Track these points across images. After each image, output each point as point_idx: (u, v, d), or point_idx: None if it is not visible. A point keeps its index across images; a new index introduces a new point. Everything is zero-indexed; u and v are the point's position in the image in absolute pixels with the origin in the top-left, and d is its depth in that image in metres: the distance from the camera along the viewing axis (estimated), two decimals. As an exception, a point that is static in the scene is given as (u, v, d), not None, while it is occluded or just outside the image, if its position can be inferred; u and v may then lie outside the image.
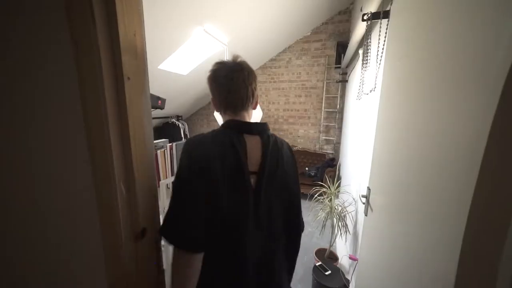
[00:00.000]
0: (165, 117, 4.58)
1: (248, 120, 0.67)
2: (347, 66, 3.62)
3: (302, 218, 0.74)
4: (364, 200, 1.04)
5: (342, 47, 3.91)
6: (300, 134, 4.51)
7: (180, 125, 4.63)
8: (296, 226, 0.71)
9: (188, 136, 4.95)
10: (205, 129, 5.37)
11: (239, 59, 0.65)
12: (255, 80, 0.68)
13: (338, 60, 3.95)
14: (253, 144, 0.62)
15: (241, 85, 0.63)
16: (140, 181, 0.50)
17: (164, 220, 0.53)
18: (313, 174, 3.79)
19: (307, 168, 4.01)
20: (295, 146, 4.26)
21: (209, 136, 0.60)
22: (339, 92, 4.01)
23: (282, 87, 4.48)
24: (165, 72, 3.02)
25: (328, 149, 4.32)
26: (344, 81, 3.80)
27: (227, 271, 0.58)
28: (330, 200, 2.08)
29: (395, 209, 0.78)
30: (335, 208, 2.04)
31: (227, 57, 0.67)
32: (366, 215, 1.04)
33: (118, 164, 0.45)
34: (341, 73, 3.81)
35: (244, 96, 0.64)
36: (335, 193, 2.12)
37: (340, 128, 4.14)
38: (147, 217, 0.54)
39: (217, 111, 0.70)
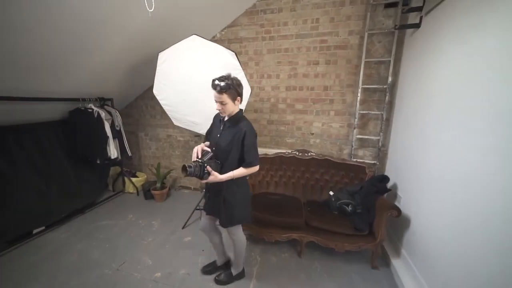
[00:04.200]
0: (72, 99, 2.50)
1: None
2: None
3: None
4: None
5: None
6: (315, 130, 2.66)
7: (103, 114, 2.57)
8: None
9: (123, 133, 2.92)
10: (159, 120, 3.35)
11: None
12: None
13: (393, -8, 2.08)
14: None
15: None
16: None
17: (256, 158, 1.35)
18: (349, 209, 1.97)
19: (331, 193, 2.20)
20: (308, 152, 2.41)
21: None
22: (393, 51, 2.16)
23: (284, 47, 2.56)
24: None
25: (366, 157, 2.51)
26: (411, 27, 1.93)
27: None
28: None
29: None
30: None
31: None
32: None
33: None
34: (404, 10, 1.95)
35: None
36: None
37: (389, 120, 2.33)
38: None
39: (240, 103, 1.35)
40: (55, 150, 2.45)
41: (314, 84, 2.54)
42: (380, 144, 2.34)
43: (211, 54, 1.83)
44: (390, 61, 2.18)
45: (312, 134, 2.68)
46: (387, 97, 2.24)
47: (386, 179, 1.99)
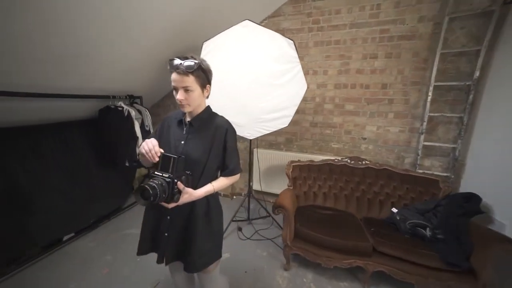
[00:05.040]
0: (102, 96, 2.33)
1: None
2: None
3: None
4: None
5: None
6: (368, 135, 2.30)
7: (133, 113, 2.39)
8: None
9: (152, 131, 2.72)
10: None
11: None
12: None
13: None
14: None
15: None
16: None
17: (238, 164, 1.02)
18: (428, 233, 1.60)
19: (395, 210, 1.83)
20: (362, 160, 2.06)
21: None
22: (487, 37, 1.74)
23: (335, 39, 2.23)
24: None
25: (434, 169, 2.12)
26: None
27: None
28: None
29: None
30: None
31: None
32: None
33: None
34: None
35: None
36: None
37: (469, 125, 1.92)
38: None
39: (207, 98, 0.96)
40: (83, 151, 2.30)
41: (370, 82, 2.19)
42: (457, 153, 1.94)
43: (264, 43, 1.55)
44: (478, 51, 1.77)
45: (365, 139, 2.32)
46: (470, 97, 1.83)
47: (475, 197, 1.60)
